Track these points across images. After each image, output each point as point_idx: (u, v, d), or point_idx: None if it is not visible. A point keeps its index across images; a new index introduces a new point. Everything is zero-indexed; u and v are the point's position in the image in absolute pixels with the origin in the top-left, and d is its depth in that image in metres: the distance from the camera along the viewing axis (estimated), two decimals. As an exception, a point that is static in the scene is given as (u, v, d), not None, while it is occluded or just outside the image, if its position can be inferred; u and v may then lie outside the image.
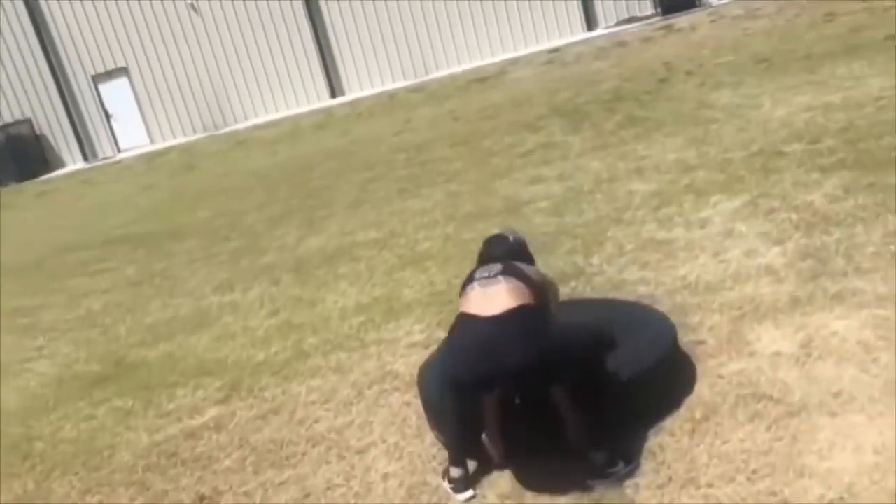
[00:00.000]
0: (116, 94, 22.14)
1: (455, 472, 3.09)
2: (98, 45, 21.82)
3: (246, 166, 13.78)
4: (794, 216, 4.86)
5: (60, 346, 6.30)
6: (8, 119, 22.32)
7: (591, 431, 3.01)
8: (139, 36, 21.64)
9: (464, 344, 2.96)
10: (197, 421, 4.28)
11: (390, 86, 20.71)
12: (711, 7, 18.59)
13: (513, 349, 2.80)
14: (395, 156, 10.73)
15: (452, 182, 8.39)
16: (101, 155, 22.58)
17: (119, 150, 22.47)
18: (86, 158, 22.52)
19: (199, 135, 21.55)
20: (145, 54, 21.80)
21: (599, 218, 5.80)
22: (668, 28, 17.11)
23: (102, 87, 22.21)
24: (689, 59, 12.26)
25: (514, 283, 2.97)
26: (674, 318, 3.71)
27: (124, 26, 21.58)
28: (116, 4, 21.38)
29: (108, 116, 22.45)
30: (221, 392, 4.55)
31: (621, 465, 2.98)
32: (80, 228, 11.72)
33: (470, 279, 3.12)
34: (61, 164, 22.63)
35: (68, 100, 22.28)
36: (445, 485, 3.12)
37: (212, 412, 4.34)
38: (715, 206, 5.41)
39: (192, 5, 21.30)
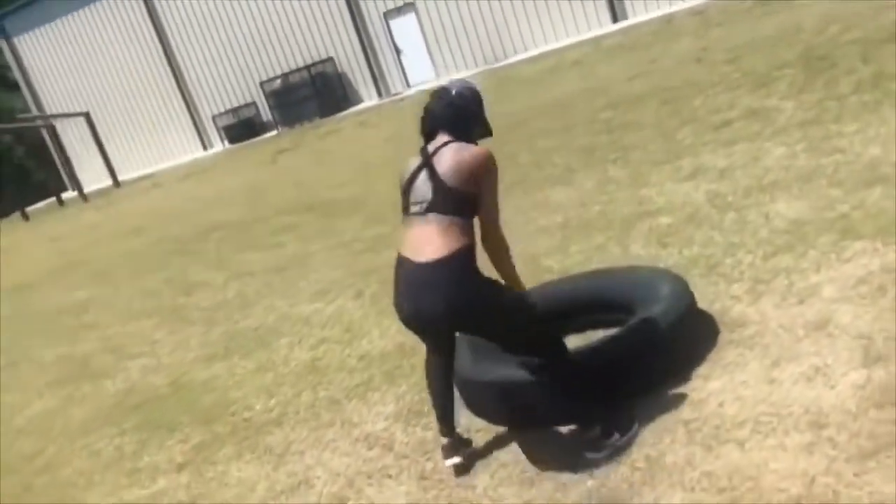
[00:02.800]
0: (405, 29, 22.64)
1: (442, 440, 3.17)
2: (388, -19, 22.37)
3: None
4: (938, 308, 3.12)
5: (167, 343, 6.44)
6: (315, 58, 24.01)
7: (576, 408, 3.04)
8: (425, -30, 21.74)
9: (399, 284, 3.01)
10: (141, 491, 3.98)
11: (678, 5, 18.57)
12: None
13: (430, 298, 2.86)
14: (599, 115, 9.42)
15: (618, 163, 7.06)
16: (392, 91, 23.45)
17: (409, 86, 23.12)
18: (380, 94, 23.54)
19: (480, 68, 21.32)
20: (431, -12, 21.91)
21: (695, 259, 4.34)
22: None
23: (393, 23, 22.83)
24: None
25: (445, 223, 2.88)
26: None
27: (411, -39, 21.81)
28: (404, -60, 21.62)
29: (398, 52, 23.12)
30: (188, 454, 4.19)
31: (616, 435, 2.96)
32: (306, 186, 12.13)
33: (405, 197, 3.03)
34: (359, 100, 23.92)
35: (364, 38, 23.28)
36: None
37: (159, 483, 4.00)
38: (847, 263, 3.72)
39: (472, -65, 20.78)
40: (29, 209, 28.05)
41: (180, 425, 4.61)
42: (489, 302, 2.91)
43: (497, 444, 3.28)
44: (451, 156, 2.93)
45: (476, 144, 3.04)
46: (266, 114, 25.12)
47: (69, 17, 27.17)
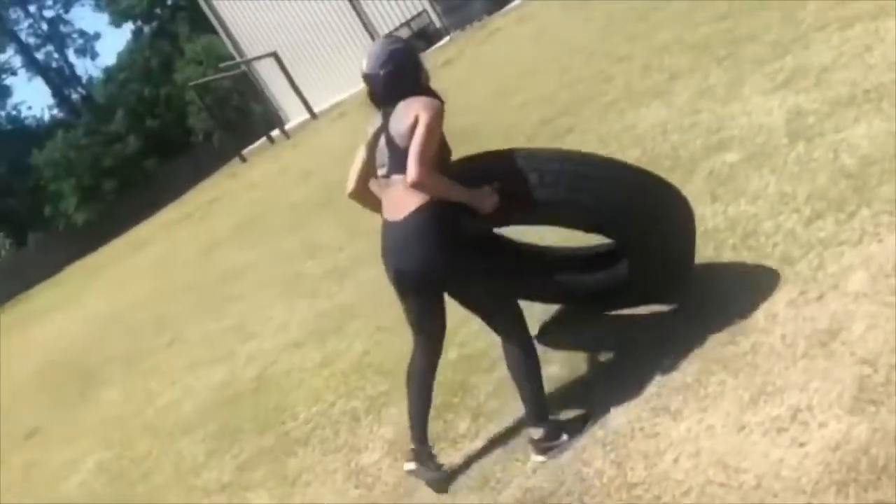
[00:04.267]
0: None
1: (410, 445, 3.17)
2: None
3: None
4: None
5: (276, 320, 6.62)
6: (476, -49, 22.99)
7: (532, 405, 2.97)
8: None
9: (382, 244, 3.05)
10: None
11: None
12: None
13: (403, 257, 2.93)
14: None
15: (724, 64, 6.05)
16: (559, -30, 21.94)
17: (576, -39, 21.50)
18: (547, -24, 22.15)
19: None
20: None
21: (736, 222, 3.60)
22: None
23: None
24: None
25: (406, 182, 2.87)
26: None
27: None
28: None
29: (559, -72, 21.49)
30: (232, 475, 4.32)
31: (564, 437, 2.91)
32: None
33: (371, 160, 3.07)
34: (528, -13, 22.69)
35: (521, -81, 21.83)
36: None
37: (203, 508, 4.17)
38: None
39: None
40: (248, 150, 30.26)
41: (241, 435, 4.76)
42: (459, 264, 2.90)
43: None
44: (400, 115, 2.91)
45: (429, 93, 2.99)
46: (437, 20, 24.72)
47: (247, -41, 28.19)
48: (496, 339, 3.16)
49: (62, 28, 45.75)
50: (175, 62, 40.42)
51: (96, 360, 9.50)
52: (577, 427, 2.95)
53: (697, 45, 6.98)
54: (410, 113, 2.86)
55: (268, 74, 30.26)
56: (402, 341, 4.62)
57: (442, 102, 2.94)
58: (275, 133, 29.48)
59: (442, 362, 4.01)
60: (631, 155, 5.34)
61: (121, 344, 9.70)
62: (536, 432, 2.94)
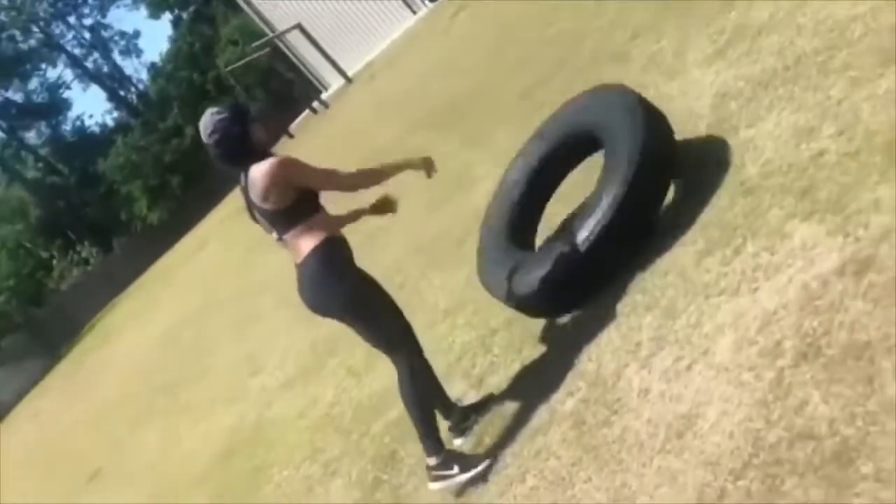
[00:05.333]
0: None
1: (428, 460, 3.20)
2: None
3: None
4: None
5: (285, 349, 6.73)
6: None
7: (421, 432, 3.15)
8: None
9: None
10: None
11: None
12: None
13: (305, 294, 3.20)
14: None
15: (665, 35, 5.62)
16: None
17: None
18: None
19: None
20: None
21: (640, 253, 3.36)
22: None
23: None
24: None
25: (293, 236, 3.12)
26: None
27: None
28: None
29: None
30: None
31: (455, 469, 3.05)
32: (450, 77, 11.47)
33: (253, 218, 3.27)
34: None
35: None
36: None
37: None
38: (775, 274, 2.61)
39: None
40: (295, 124, 30.43)
41: (228, 498, 4.89)
42: (343, 300, 3.12)
43: None
44: (253, 185, 3.05)
45: (266, 155, 3.11)
46: (454, -41, 23.93)
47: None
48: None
49: (104, 33, 46.68)
50: (217, 45, 40.73)
51: (148, 392, 9.92)
52: (471, 463, 3.05)
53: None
54: (258, 183, 3.02)
55: (302, 46, 30.12)
56: (362, 392, 4.66)
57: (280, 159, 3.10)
58: (316, 104, 29.50)
59: (381, 424, 4.05)
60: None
61: (169, 372, 10.08)
62: (430, 460, 3.12)
